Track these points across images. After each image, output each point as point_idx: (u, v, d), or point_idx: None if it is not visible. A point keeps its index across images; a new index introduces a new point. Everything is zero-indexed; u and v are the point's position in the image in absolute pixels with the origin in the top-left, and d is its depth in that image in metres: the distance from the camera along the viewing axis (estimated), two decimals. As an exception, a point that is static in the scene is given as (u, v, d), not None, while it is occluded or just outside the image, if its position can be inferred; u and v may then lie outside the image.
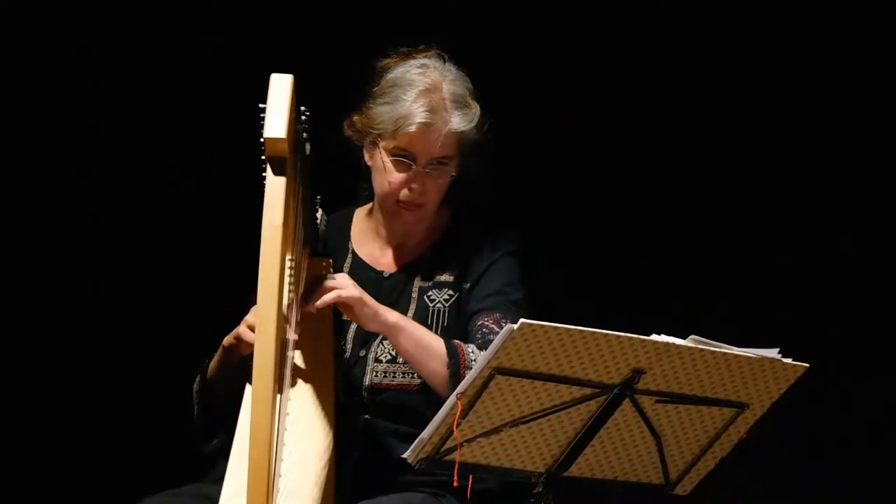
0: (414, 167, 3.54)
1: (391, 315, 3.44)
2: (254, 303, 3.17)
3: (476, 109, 3.57)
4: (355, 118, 3.60)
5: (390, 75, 3.58)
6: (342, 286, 3.40)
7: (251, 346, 3.28)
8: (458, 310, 3.61)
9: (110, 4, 4.67)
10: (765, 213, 4.71)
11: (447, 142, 3.53)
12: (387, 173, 3.56)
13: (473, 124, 3.56)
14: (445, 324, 3.60)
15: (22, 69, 4.69)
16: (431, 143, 3.52)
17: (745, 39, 4.70)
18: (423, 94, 3.52)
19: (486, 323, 3.55)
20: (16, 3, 4.67)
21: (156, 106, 4.69)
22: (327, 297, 3.38)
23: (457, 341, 3.48)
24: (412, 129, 3.50)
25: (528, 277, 3.65)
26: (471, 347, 3.47)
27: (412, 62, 3.59)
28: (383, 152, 3.55)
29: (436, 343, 3.46)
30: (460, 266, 3.64)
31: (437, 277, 3.65)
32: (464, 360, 3.42)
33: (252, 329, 3.37)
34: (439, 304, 3.62)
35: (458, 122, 3.53)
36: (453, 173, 3.58)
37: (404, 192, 3.55)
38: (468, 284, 3.62)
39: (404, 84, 3.54)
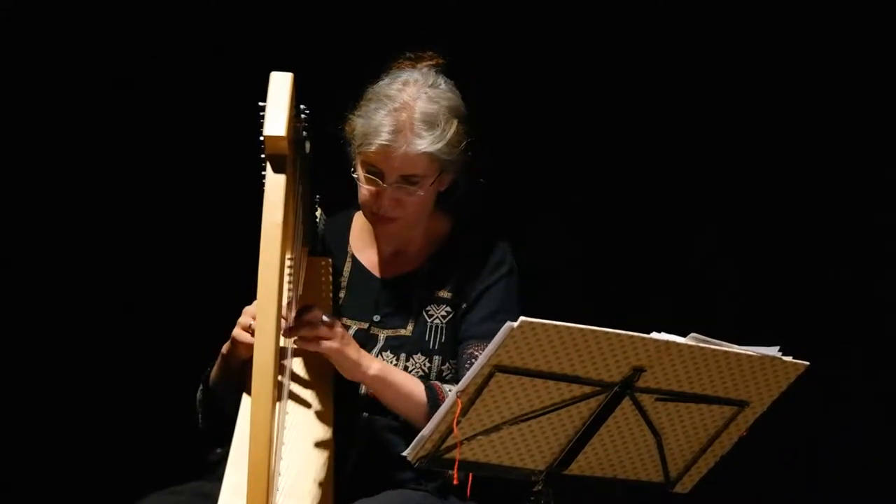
0: (382, 183, 3.51)
1: (372, 367, 3.44)
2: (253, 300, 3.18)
3: (450, 128, 3.50)
4: (346, 124, 3.59)
5: (374, 87, 3.55)
6: (330, 336, 3.36)
7: (249, 347, 3.28)
8: (455, 328, 3.61)
9: (110, 3, 4.67)
10: (765, 211, 4.71)
11: (412, 161, 3.48)
12: (361, 185, 3.55)
13: (441, 144, 3.49)
14: (443, 340, 3.60)
15: (22, 69, 4.69)
16: (391, 162, 3.48)
17: (740, 39, 4.71)
18: (391, 113, 3.48)
19: (475, 353, 3.54)
20: (16, 3, 4.67)
21: (155, 104, 4.69)
22: (309, 346, 3.36)
23: (435, 382, 3.51)
24: (372, 148, 3.48)
25: (525, 288, 3.65)
26: (448, 388, 3.48)
27: (400, 75, 3.55)
28: (359, 164, 3.55)
29: (416, 389, 3.47)
30: (458, 283, 3.62)
31: (436, 293, 3.63)
32: (443, 400, 3.41)
33: (246, 330, 3.37)
34: (437, 321, 3.61)
35: (422, 143, 3.48)
36: (421, 193, 3.51)
37: (376, 206, 3.54)
38: (464, 305, 3.61)
39: (378, 99, 3.51)
